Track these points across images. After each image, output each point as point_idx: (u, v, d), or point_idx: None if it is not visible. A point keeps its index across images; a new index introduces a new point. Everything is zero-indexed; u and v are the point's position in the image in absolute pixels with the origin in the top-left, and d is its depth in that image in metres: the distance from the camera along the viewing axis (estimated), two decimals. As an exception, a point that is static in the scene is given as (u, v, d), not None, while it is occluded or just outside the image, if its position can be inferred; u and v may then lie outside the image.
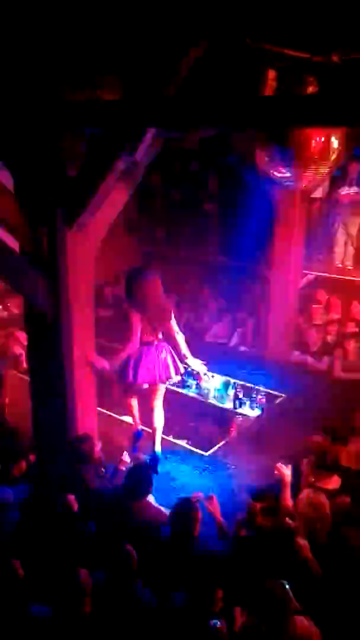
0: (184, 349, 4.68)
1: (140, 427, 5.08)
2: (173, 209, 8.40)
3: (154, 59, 3.23)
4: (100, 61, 3.55)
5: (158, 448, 4.85)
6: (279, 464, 3.57)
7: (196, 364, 4.80)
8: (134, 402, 4.97)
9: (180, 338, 4.66)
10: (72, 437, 4.15)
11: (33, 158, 3.72)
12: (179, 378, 4.80)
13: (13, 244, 3.91)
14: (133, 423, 5.10)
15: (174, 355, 4.64)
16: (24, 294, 4.13)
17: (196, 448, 5.37)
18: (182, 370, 4.76)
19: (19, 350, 7.48)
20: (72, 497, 3.43)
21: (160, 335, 4.59)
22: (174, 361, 4.63)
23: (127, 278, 4.55)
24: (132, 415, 5.07)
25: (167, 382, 4.74)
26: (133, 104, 3.27)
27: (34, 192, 3.80)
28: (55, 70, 3.43)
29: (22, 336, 7.15)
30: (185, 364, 4.79)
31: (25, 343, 5.55)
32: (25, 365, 7.09)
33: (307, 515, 3.17)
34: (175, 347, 4.67)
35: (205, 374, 6.45)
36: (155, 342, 4.55)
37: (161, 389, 4.79)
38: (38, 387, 4.45)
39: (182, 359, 4.71)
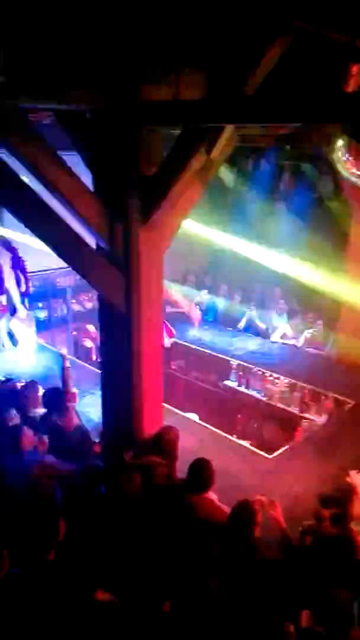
0: None
1: None
2: (244, 207, 8.33)
3: (233, 56, 3.21)
4: (179, 59, 3.58)
5: None
6: (352, 472, 3.48)
7: None
8: None
9: None
10: (162, 427, 4.23)
11: (112, 157, 3.82)
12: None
13: (90, 240, 4.06)
14: None
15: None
16: (99, 289, 4.26)
17: (260, 450, 5.32)
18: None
19: (90, 344, 7.77)
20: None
21: None
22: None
23: None
24: None
25: None
26: (214, 103, 3.27)
27: (112, 190, 3.90)
28: (136, 68, 3.50)
29: (93, 330, 7.42)
30: None
31: (96, 336, 5.77)
32: (95, 358, 7.37)
33: None
34: None
35: (270, 375, 6.61)
36: None
37: None
38: (108, 380, 4.58)
39: None
